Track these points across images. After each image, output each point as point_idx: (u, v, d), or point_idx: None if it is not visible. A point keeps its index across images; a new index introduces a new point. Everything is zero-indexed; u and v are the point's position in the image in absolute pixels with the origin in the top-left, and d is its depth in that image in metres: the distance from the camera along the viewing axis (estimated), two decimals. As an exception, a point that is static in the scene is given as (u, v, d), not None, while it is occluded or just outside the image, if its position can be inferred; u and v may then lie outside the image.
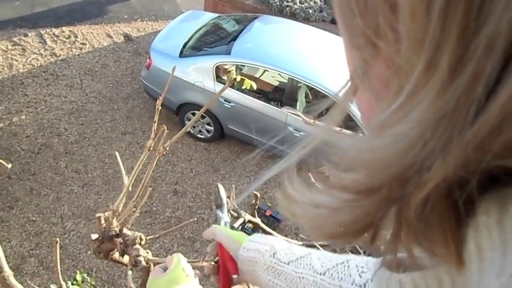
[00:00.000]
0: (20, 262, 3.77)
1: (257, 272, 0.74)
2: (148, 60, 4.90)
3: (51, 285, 2.05)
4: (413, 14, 0.21)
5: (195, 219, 4.00)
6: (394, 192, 0.24)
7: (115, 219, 0.96)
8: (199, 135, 5.00)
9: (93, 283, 2.35)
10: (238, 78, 0.90)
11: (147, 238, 1.04)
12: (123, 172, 1.04)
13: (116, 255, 0.99)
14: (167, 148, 0.91)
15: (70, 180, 4.43)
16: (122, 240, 0.93)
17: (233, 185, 2.16)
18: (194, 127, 4.97)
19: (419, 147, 0.22)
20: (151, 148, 0.92)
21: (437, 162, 0.21)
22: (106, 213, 0.96)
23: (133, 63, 5.80)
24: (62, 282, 1.13)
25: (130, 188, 0.90)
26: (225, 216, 0.97)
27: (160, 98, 0.92)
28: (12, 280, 0.97)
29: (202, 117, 4.84)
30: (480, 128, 0.20)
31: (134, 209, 1.03)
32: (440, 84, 0.20)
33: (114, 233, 0.92)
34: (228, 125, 4.81)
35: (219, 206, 0.99)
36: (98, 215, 0.95)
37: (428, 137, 0.21)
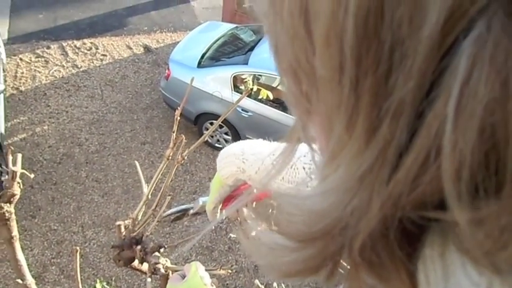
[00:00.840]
0: (42, 270, 3.84)
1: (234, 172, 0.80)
2: (167, 71, 4.97)
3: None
4: (328, 81, 0.22)
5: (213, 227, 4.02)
6: (334, 241, 0.25)
7: (135, 227, 0.98)
8: (217, 145, 5.05)
9: (114, 292, 2.38)
10: (255, 88, 0.91)
11: (166, 246, 1.06)
12: (143, 181, 1.07)
13: (136, 263, 1.01)
14: (185, 157, 0.93)
15: (90, 190, 4.51)
16: (141, 248, 0.95)
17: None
18: (212, 136, 5.01)
19: (345, 204, 0.23)
20: (170, 157, 0.94)
21: (362, 220, 0.22)
22: (126, 222, 0.99)
23: (152, 74, 5.89)
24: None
25: (149, 197, 0.92)
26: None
27: (179, 108, 0.95)
28: (35, 288, 1.00)
29: (220, 126, 4.89)
30: (394, 188, 0.21)
31: (153, 217, 1.05)
32: (357, 147, 0.22)
33: (133, 241, 0.95)
34: (245, 134, 4.84)
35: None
36: (118, 223, 0.98)
37: (351, 195, 0.22)
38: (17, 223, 3.34)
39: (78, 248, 1.13)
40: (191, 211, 0.94)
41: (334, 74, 0.22)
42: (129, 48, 6.31)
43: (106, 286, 2.33)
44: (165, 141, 5.06)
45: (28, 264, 3.75)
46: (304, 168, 0.73)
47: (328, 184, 0.24)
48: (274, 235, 0.28)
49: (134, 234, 0.94)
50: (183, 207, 0.97)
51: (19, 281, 0.94)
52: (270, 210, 0.28)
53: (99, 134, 5.05)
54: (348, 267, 0.27)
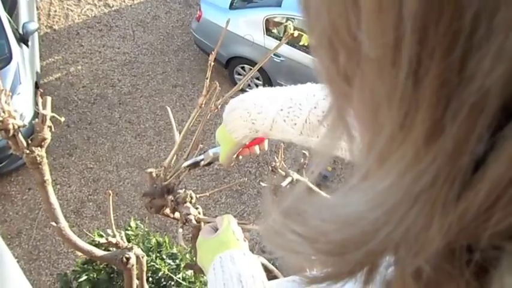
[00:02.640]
0: (80, 206, 4.03)
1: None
2: (198, 12, 4.86)
3: (108, 230, 2.20)
4: (377, 62, 0.17)
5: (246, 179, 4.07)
6: (373, 258, 0.20)
7: (166, 176, 0.98)
8: (248, 89, 4.99)
9: (146, 229, 2.48)
10: (296, 33, 0.86)
11: (198, 196, 1.06)
12: (175, 128, 1.06)
13: (167, 210, 1.02)
14: (219, 106, 0.91)
15: (124, 131, 4.60)
16: (173, 198, 0.96)
17: (281, 143, 2.17)
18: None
19: (393, 224, 0.18)
20: (203, 105, 0.92)
21: (414, 244, 0.18)
22: (157, 170, 0.99)
23: (184, 15, 5.78)
24: (116, 233, 1.20)
25: (181, 145, 0.91)
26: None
27: (213, 53, 0.91)
28: (68, 231, 1.04)
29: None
30: (466, 209, 0.16)
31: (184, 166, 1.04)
32: (415, 152, 0.17)
33: (165, 190, 0.95)
34: (277, 80, 4.76)
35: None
36: (149, 170, 0.98)
37: (402, 213, 0.18)
38: (55, 161, 3.48)
39: (110, 191, 1.15)
40: (202, 163, 0.93)
41: (387, 53, 0.16)
42: (160, -13, 6.17)
43: (140, 224, 2.43)
44: (196, 85, 5.04)
45: (67, 200, 3.95)
46: (318, 121, 0.71)
47: (371, 194, 0.19)
48: (298, 241, 0.23)
49: (166, 183, 0.94)
50: (192, 160, 0.96)
51: (53, 223, 0.98)
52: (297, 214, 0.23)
53: (131, 75, 5.07)
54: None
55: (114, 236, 1.25)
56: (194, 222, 0.91)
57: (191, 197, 0.98)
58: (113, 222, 1.37)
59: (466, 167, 0.16)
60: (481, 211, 0.16)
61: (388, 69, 0.17)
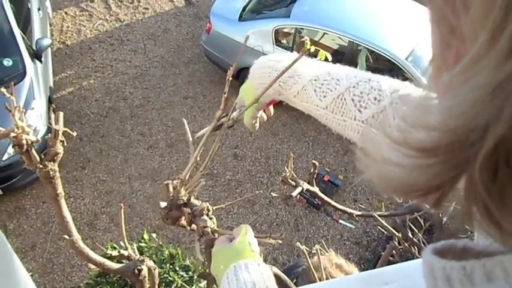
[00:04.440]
0: (93, 218, 4.06)
1: (312, 95, 0.78)
2: (208, 25, 4.91)
3: (121, 242, 2.21)
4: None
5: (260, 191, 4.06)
6: (456, 155, 0.24)
7: (183, 188, 0.99)
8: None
9: (160, 243, 2.49)
10: (313, 49, 0.86)
11: (214, 208, 1.06)
12: (190, 139, 1.06)
13: (183, 222, 1.02)
14: (235, 119, 0.91)
15: (136, 143, 4.64)
16: (189, 211, 0.96)
17: (291, 153, 2.17)
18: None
19: (476, 112, 0.23)
20: (220, 118, 0.93)
21: (490, 130, 0.22)
22: (174, 182, 1.00)
23: (194, 28, 5.84)
24: (128, 245, 1.20)
25: (198, 159, 0.92)
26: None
27: (231, 68, 0.92)
28: (81, 244, 1.05)
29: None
30: None
31: (201, 179, 1.05)
32: (500, 56, 0.22)
33: (181, 202, 0.95)
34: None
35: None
36: (165, 182, 0.99)
37: (486, 102, 0.22)
38: (68, 174, 3.51)
39: (122, 204, 1.16)
40: (225, 125, 0.93)
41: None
42: (170, 1, 6.25)
43: (153, 235, 2.44)
44: (206, 96, 5.08)
45: (80, 213, 3.98)
46: (353, 100, 0.70)
47: (461, 93, 0.24)
48: (391, 149, 0.28)
49: (182, 195, 0.94)
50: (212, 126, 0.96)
51: (66, 236, 0.99)
52: (391, 121, 0.28)
53: (143, 88, 5.13)
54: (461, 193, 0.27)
55: (126, 249, 1.26)
56: (211, 235, 0.91)
57: (208, 210, 0.98)
58: (124, 235, 1.37)
59: None
60: None
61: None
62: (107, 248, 2.11)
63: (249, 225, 0.85)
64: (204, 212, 0.94)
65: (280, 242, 0.92)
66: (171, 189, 0.98)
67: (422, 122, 0.26)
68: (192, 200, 0.97)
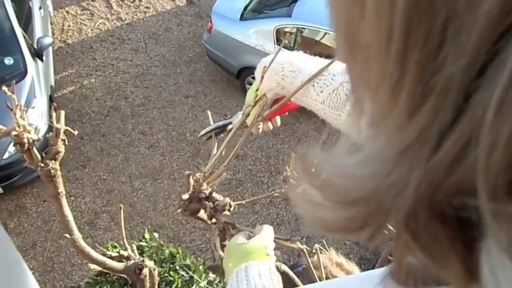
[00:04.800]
0: (94, 217, 4.06)
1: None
2: (209, 24, 4.91)
3: (121, 241, 2.21)
4: (375, 50, 0.22)
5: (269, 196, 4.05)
6: (372, 208, 0.24)
7: (205, 181, 0.98)
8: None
9: (161, 242, 2.49)
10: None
11: (236, 204, 1.05)
12: (214, 135, 1.03)
13: (203, 215, 1.02)
14: (265, 117, 0.90)
15: (137, 142, 4.64)
16: (212, 205, 0.96)
17: (292, 153, 2.17)
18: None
19: (382, 177, 0.22)
20: (249, 115, 0.92)
21: (399, 195, 0.22)
22: (197, 175, 0.99)
23: (195, 27, 5.84)
24: (128, 246, 1.20)
25: (223, 153, 0.91)
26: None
27: (266, 67, 0.91)
28: (82, 242, 1.04)
29: (263, 80, 4.83)
30: (432, 169, 0.20)
31: (224, 173, 1.04)
32: (400, 120, 0.21)
33: (203, 195, 0.95)
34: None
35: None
36: (187, 173, 0.98)
37: (390, 168, 0.22)
38: (69, 172, 3.52)
39: (121, 205, 1.16)
40: (230, 126, 0.93)
41: (382, 43, 0.21)
42: (171, 0, 6.25)
43: (154, 234, 2.44)
44: (208, 95, 5.08)
45: (81, 211, 3.98)
46: (346, 95, 0.72)
47: (368, 152, 0.24)
48: (317, 192, 0.28)
49: (204, 188, 0.94)
50: (221, 123, 0.96)
51: (67, 235, 0.99)
52: (313, 169, 0.28)
53: (144, 87, 5.13)
54: (393, 231, 0.26)
55: (126, 249, 1.26)
56: (231, 230, 0.91)
57: (230, 206, 0.98)
58: (124, 235, 1.37)
59: (435, 134, 0.20)
60: (444, 169, 0.20)
61: (382, 56, 0.21)
62: (107, 247, 2.11)
63: (271, 227, 0.84)
64: (226, 207, 0.94)
65: (301, 247, 0.92)
66: (192, 181, 0.98)
67: (338, 175, 0.26)
68: (214, 194, 0.97)
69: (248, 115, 0.87)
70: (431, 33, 0.19)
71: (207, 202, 0.90)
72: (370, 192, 0.23)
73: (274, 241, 0.84)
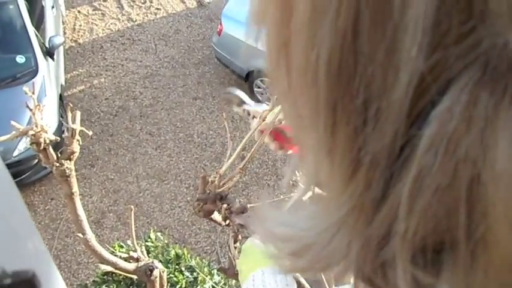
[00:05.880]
0: (101, 217, 4.08)
1: None
2: (219, 26, 4.93)
3: (128, 241, 2.22)
4: (306, 122, 0.22)
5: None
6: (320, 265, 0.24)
7: (220, 183, 0.99)
8: (267, 103, 5.02)
9: (166, 241, 2.50)
10: None
11: (250, 206, 1.06)
12: (229, 137, 1.05)
13: (217, 216, 1.03)
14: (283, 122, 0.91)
15: (144, 142, 4.66)
16: (227, 206, 0.96)
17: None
18: (262, 94, 4.99)
19: (324, 245, 0.23)
20: (265, 118, 0.93)
21: (343, 261, 0.22)
22: (212, 176, 1.00)
23: (205, 29, 5.86)
24: (137, 247, 1.21)
25: (241, 154, 0.92)
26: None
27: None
28: (94, 242, 1.06)
29: (271, 84, 4.84)
30: (369, 239, 0.20)
31: (239, 174, 1.05)
32: (335, 191, 0.22)
33: (218, 197, 0.96)
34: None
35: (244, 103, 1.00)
36: (202, 175, 0.99)
37: (330, 236, 0.22)
38: (77, 171, 3.52)
39: (132, 206, 1.17)
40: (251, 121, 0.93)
41: (311, 117, 0.21)
42: (182, 2, 6.28)
43: (160, 236, 2.45)
44: (216, 97, 5.09)
45: (87, 211, 3.99)
46: None
47: (310, 220, 0.24)
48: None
49: (220, 190, 0.95)
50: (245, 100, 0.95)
51: (80, 235, 1.00)
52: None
53: (153, 88, 5.15)
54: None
55: (135, 250, 1.27)
56: (246, 232, 0.91)
57: (245, 209, 0.98)
58: (134, 236, 1.38)
59: (369, 205, 0.20)
60: (379, 239, 0.20)
61: (313, 129, 0.22)
62: (114, 247, 2.13)
63: None
64: (242, 210, 0.94)
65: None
66: (208, 182, 0.98)
67: (285, 233, 0.26)
68: (229, 196, 0.97)
69: (264, 119, 0.88)
70: (354, 112, 0.19)
71: (221, 204, 0.90)
72: (316, 257, 0.23)
73: None
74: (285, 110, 0.26)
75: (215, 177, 0.89)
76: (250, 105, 0.99)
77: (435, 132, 0.17)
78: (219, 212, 0.93)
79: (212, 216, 0.95)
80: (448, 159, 0.16)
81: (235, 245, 0.95)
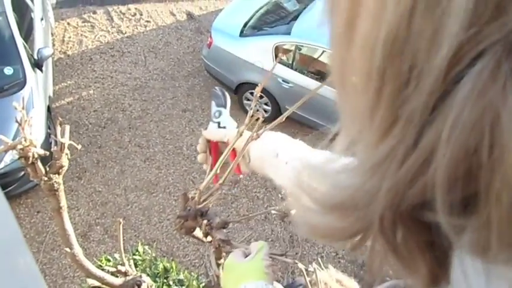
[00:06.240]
0: (87, 230, 4.04)
1: (265, 168, 0.89)
2: (209, 39, 4.96)
3: (115, 254, 2.19)
4: (358, 84, 0.28)
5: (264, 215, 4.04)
6: (351, 216, 0.29)
7: (200, 199, 0.99)
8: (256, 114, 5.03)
9: (153, 255, 2.48)
10: None
11: (231, 221, 1.05)
12: (208, 159, 1.04)
13: (198, 233, 1.02)
14: (260, 135, 0.92)
15: (133, 154, 4.64)
16: (207, 222, 0.96)
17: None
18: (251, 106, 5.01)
19: (358, 186, 0.27)
20: (243, 133, 0.93)
21: (372, 203, 0.26)
22: (192, 192, 0.99)
23: (194, 42, 5.89)
24: (125, 261, 1.20)
25: (217, 171, 0.92)
26: (227, 120, 1.00)
27: (259, 85, 0.94)
28: (81, 257, 1.05)
29: (261, 97, 4.87)
30: (398, 182, 0.25)
31: (219, 191, 1.05)
32: (374, 141, 0.26)
33: (198, 213, 0.95)
34: (285, 106, 4.80)
35: (223, 105, 1.01)
36: (183, 193, 0.99)
37: (365, 179, 0.27)
38: (64, 184, 3.49)
39: (121, 219, 1.16)
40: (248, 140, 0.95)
41: (363, 81, 0.27)
42: (172, 14, 6.31)
43: (147, 249, 2.43)
44: (205, 110, 5.10)
45: (74, 223, 3.94)
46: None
47: (347, 166, 0.29)
48: (307, 198, 0.32)
49: (200, 206, 0.94)
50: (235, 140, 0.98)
51: (67, 249, 0.99)
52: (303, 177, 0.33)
53: (142, 100, 5.14)
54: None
55: (122, 264, 1.26)
56: (227, 248, 0.91)
57: (227, 224, 0.98)
58: (122, 250, 1.37)
59: (401, 154, 0.25)
60: (407, 182, 0.24)
61: (363, 90, 0.27)
62: (101, 260, 2.10)
63: (266, 243, 0.84)
64: (222, 225, 0.93)
65: (296, 261, 0.92)
66: (189, 198, 0.98)
67: (323, 183, 0.31)
68: (210, 212, 0.97)
69: (242, 134, 0.89)
70: (399, 75, 0.24)
71: (202, 220, 0.90)
72: (348, 199, 0.28)
73: (270, 257, 0.83)
74: (338, 80, 0.31)
75: (195, 194, 0.89)
76: (225, 112, 1.00)
77: (470, 87, 0.21)
78: (200, 228, 0.92)
79: (194, 233, 0.95)
80: (478, 105, 0.21)
81: (219, 261, 0.94)
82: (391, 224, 0.27)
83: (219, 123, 1.00)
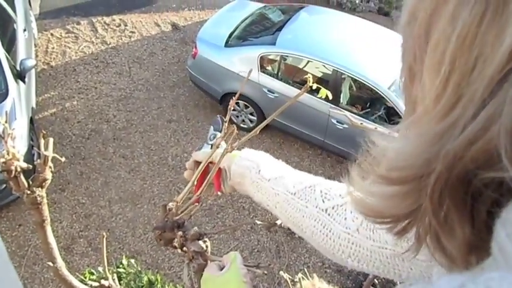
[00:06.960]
0: (71, 242, 3.97)
1: (245, 184, 0.90)
2: (194, 50, 4.97)
3: (99, 268, 2.16)
4: (430, 70, 0.33)
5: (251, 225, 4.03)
6: (412, 187, 0.33)
7: (178, 211, 0.99)
8: (242, 125, 5.05)
9: (138, 268, 2.45)
10: (314, 86, 0.89)
11: (207, 233, 1.05)
12: (203, 164, 1.05)
13: (176, 244, 1.02)
14: (235, 148, 0.93)
15: (117, 166, 4.60)
16: (182, 234, 0.96)
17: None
18: (237, 116, 5.02)
19: (419, 153, 0.32)
20: (219, 145, 0.94)
21: (434, 166, 0.31)
22: (170, 204, 0.99)
23: (179, 52, 5.90)
24: (109, 275, 1.19)
25: (195, 183, 0.92)
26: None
27: (234, 98, 0.97)
28: (64, 271, 1.03)
29: (246, 107, 4.89)
30: (457, 146, 0.29)
31: (197, 203, 1.05)
32: (439, 117, 0.32)
33: (175, 225, 0.95)
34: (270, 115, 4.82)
35: (219, 131, 1.03)
36: (162, 204, 0.99)
37: (428, 146, 0.31)
38: (47, 196, 3.45)
39: (104, 233, 1.15)
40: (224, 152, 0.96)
41: (435, 66, 0.32)
42: (157, 25, 6.32)
43: (132, 261, 2.40)
44: (190, 120, 5.09)
45: (57, 236, 3.88)
46: (321, 191, 0.83)
47: (411, 137, 0.34)
48: (371, 182, 0.37)
49: (177, 218, 0.94)
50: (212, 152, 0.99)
51: (50, 263, 0.97)
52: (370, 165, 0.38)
53: (127, 110, 5.12)
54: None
55: (106, 278, 1.24)
56: (200, 260, 0.90)
57: (200, 235, 0.98)
58: (106, 264, 1.35)
59: (461, 126, 0.30)
60: (464, 146, 0.29)
61: (435, 75, 0.33)
62: (84, 274, 2.07)
63: (238, 253, 0.84)
64: (197, 237, 0.93)
65: (266, 272, 0.92)
66: (167, 211, 0.98)
67: (386, 158, 0.36)
68: (187, 223, 0.97)
69: (218, 146, 0.90)
70: (467, 62, 0.30)
71: (178, 232, 0.90)
72: (408, 167, 0.33)
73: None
74: (408, 72, 0.37)
75: (172, 205, 0.89)
76: (220, 136, 1.02)
77: None
78: (176, 239, 0.92)
79: (174, 244, 0.95)
80: None
81: (202, 273, 0.94)
82: (439, 196, 0.32)
83: (211, 146, 1.01)
